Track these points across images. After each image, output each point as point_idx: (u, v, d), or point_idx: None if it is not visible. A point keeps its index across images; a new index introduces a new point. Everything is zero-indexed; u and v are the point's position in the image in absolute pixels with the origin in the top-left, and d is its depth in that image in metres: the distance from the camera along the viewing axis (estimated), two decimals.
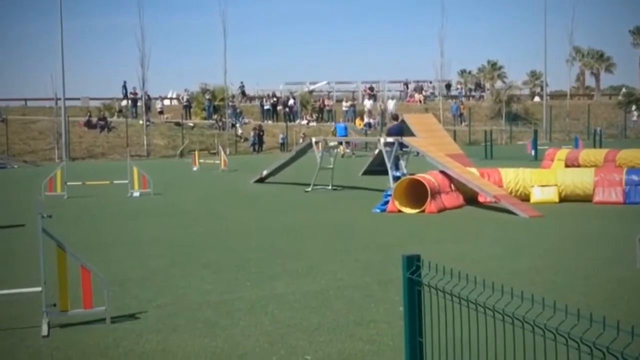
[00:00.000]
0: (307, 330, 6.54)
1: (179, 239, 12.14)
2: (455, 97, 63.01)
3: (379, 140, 20.49)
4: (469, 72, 70.39)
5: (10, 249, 11.45)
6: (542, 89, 65.59)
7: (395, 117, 23.61)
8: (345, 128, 43.73)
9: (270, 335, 6.41)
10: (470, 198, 16.28)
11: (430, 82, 62.56)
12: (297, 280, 8.67)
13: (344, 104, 56.39)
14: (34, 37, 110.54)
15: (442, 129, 23.86)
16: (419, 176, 15.63)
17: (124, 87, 51.83)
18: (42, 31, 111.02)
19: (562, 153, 24.91)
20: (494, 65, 69.24)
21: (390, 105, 53.98)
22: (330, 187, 20.20)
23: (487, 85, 67.92)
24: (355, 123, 53.70)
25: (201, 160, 32.56)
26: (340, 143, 34.80)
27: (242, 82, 59.73)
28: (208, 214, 15.73)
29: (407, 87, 63.78)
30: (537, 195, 16.15)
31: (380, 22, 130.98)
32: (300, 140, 27.10)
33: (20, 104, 55.41)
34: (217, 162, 31.27)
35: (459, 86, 66.15)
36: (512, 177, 16.65)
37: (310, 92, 60.37)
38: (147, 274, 9.22)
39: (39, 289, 6.67)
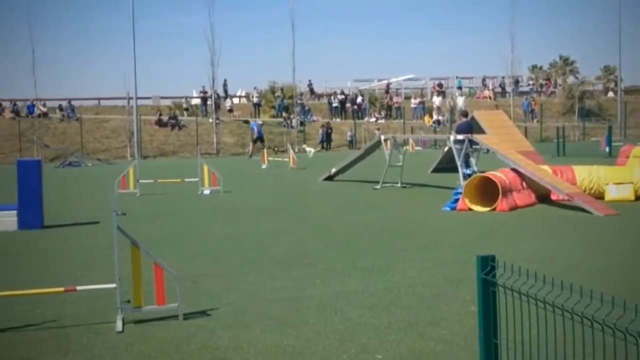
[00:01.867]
0: (377, 329, 6.51)
1: (249, 236, 12.23)
2: (526, 93, 61.98)
3: (448, 137, 20.31)
4: (540, 68, 69.21)
5: (86, 245, 11.70)
6: (616, 84, 64.08)
7: (464, 114, 23.32)
8: (258, 125, 42.12)
9: (340, 334, 6.41)
10: (543, 196, 16.01)
11: (510, 78, 61.54)
12: (367, 278, 8.65)
13: (412, 100, 56.09)
14: (107, 37, 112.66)
15: (512, 126, 23.53)
16: (490, 174, 15.44)
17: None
18: (115, 31, 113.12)
19: (638, 150, 24.30)
20: (565, 61, 67.95)
21: (460, 101, 53.44)
22: (399, 185, 20.10)
23: (559, 81, 66.64)
24: (424, 120, 53.39)
25: (270, 158, 32.75)
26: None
27: (310, 80, 59.94)
28: (277, 212, 15.80)
29: (484, 84, 62.65)
30: (612, 193, 15.78)
31: (449, 16, 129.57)
32: (376, 135, 26.95)
33: (94, 103, 56.65)
34: (286, 159, 31.42)
35: (530, 82, 65.03)
36: (586, 174, 16.32)
37: (388, 85, 59.87)
38: (218, 271, 9.32)
39: (114, 285, 6.80)
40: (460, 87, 61.16)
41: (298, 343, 6.18)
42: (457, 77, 61.89)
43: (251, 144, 40.98)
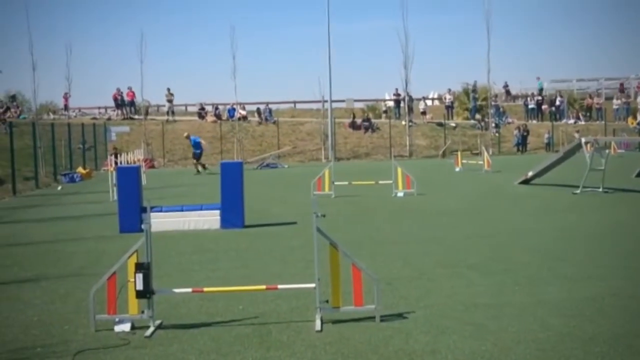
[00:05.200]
0: (580, 339, 6.25)
1: (444, 240, 12.12)
2: None
3: None
4: None
5: (284, 245, 12.02)
6: None
7: None
8: (194, 140, 34.28)
9: (541, 343, 6.20)
10: None
11: None
12: (568, 286, 8.32)
13: (614, 101, 53.59)
14: (303, 42, 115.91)
15: None
16: None
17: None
18: (311, 36, 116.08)
19: None
20: None
21: None
22: (600, 190, 19.23)
23: None
24: (627, 122, 50.89)
25: (464, 161, 32.38)
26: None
27: (506, 82, 58.67)
28: (472, 215, 15.56)
29: None
30: None
31: None
32: (575, 137, 25.88)
33: (290, 106, 58.44)
34: (480, 162, 30.96)
35: None
36: None
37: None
38: (414, 274, 9.29)
39: (313, 285, 6.94)
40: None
41: (497, 350, 6.04)
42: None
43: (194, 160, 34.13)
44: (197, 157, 33.77)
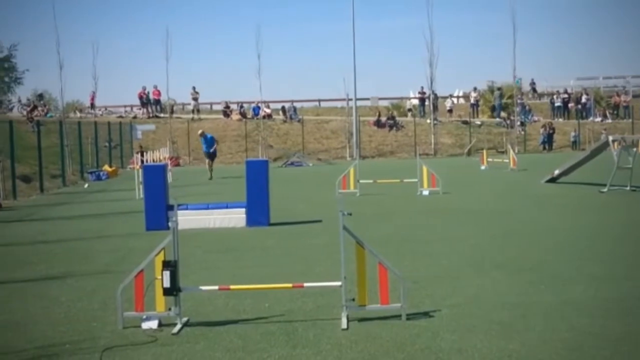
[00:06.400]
0: (608, 339, 6.20)
1: (469, 238, 12.07)
2: None
3: None
4: None
5: (310, 243, 12.04)
6: None
7: None
8: (212, 139, 29.56)
9: (568, 342, 6.16)
10: None
11: None
12: (596, 285, 8.26)
13: None
14: (328, 40, 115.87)
15: None
16: None
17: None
18: (335, 34, 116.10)
19: None
20: None
21: None
22: (628, 188, 19.06)
23: None
24: None
25: (489, 159, 32.24)
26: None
27: (532, 79, 58.23)
28: (498, 214, 15.48)
29: None
30: None
31: None
32: (602, 136, 25.61)
33: (314, 104, 58.45)
34: (506, 161, 30.79)
35: None
36: None
37: None
38: (440, 273, 9.27)
39: (339, 283, 6.94)
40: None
41: (523, 349, 6.01)
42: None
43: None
44: (212, 156, 29.56)
